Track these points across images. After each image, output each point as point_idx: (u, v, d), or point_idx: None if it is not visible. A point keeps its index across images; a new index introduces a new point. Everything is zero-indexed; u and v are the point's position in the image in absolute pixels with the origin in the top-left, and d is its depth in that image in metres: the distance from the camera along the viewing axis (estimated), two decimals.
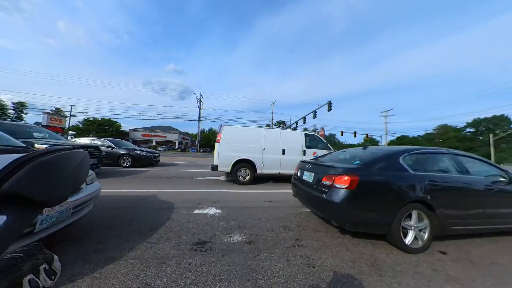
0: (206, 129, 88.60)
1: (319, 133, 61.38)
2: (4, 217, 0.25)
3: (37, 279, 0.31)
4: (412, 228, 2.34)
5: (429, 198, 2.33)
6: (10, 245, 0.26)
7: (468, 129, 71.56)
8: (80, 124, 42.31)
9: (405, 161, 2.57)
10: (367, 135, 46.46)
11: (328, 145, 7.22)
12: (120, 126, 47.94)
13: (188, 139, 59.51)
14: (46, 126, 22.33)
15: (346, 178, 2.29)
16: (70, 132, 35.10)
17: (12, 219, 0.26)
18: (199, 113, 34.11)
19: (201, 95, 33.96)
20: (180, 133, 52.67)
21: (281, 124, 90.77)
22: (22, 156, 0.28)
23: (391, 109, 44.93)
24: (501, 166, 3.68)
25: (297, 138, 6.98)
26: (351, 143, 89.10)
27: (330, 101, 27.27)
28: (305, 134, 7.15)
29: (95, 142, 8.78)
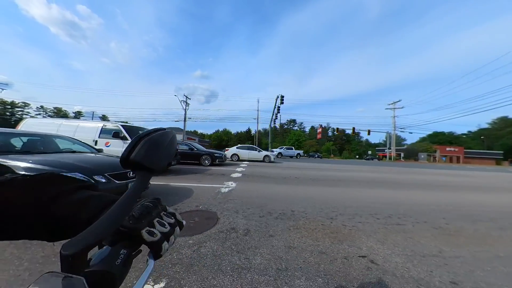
0: (221, 129, 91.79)
1: (318, 131, 57.83)
2: (135, 178, 0.36)
3: (164, 221, 0.38)
4: None
5: None
6: (139, 198, 0.36)
7: None
8: None
9: None
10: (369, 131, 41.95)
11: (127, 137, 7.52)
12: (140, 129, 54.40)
13: (195, 139, 63.26)
14: None
15: None
16: None
17: (138, 180, 0.35)
18: (185, 114, 36.32)
19: (186, 97, 36.11)
20: (186, 133, 56.48)
21: (291, 122, 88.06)
22: (139, 134, 0.37)
23: (399, 100, 39.56)
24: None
25: (92, 129, 7.63)
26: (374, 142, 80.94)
27: (282, 95, 26.36)
28: (104, 125, 7.71)
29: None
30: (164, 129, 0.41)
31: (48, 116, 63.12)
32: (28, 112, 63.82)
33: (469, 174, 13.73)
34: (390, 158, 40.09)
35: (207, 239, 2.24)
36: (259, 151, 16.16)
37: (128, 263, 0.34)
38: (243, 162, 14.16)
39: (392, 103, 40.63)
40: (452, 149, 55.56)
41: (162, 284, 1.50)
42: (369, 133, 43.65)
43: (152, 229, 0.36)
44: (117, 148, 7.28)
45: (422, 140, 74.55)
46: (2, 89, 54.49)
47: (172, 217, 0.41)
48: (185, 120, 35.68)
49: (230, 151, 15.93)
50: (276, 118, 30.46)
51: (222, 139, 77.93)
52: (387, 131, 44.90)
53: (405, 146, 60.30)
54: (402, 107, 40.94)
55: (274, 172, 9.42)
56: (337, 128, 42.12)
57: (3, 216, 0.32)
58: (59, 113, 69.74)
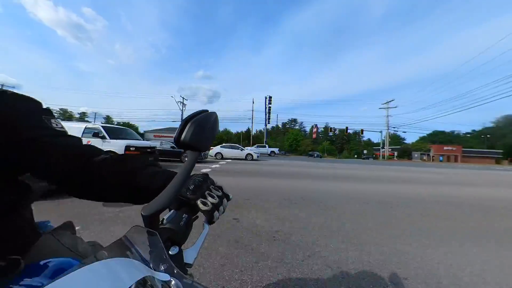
0: (221, 129, 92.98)
1: (313, 131, 58.36)
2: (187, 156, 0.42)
3: (213, 194, 0.45)
4: None
5: None
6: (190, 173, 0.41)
7: None
8: None
9: None
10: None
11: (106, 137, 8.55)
12: (137, 128, 56.05)
13: None
14: None
15: None
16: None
17: (189, 158, 0.41)
18: (181, 115, 37.53)
19: (182, 98, 37.37)
20: None
21: (292, 122, 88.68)
22: (186, 117, 0.41)
23: (392, 100, 39.96)
24: None
25: (77, 129, 8.72)
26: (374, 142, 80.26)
27: (270, 96, 27.24)
28: (86, 126, 8.79)
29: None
30: (207, 110, 0.45)
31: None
32: None
33: (443, 171, 14.30)
34: (383, 157, 40.50)
35: None
36: (241, 150, 17.13)
37: (189, 225, 0.41)
38: (224, 160, 14.97)
39: (385, 103, 41.00)
40: (450, 148, 55.37)
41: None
42: (362, 132, 44.06)
43: (205, 200, 0.43)
44: (96, 146, 8.38)
45: (422, 139, 74.07)
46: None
47: (220, 190, 0.48)
48: (182, 121, 36.90)
49: (214, 150, 16.94)
50: (269, 118, 31.28)
51: (222, 139, 78.87)
52: (380, 131, 45.22)
53: (401, 146, 60.44)
54: (395, 107, 41.27)
55: (249, 168, 10.32)
56: (330, 128, 42.74)
57: (106, 184, 0.46)
58: (64, 114, 72.18)
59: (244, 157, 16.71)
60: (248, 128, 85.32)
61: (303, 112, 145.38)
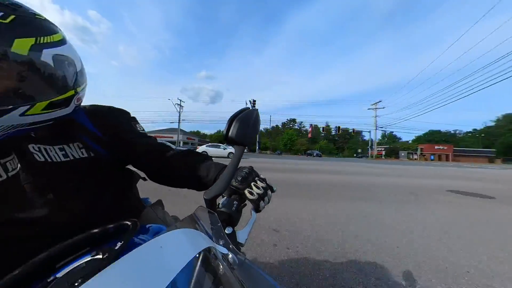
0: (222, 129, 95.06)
1: (309, 130, 59.87)
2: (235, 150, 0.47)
3: (258, 185, 0.51)
4: None
5: None
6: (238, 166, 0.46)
7: None
8: None
9: None
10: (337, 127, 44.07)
11: None
12: None
13: (195, 139, 67.02)
14: None
15: None
16: None
17: (236, 152, 0.46)
18: (179, 116, 40.03)
19: (180, 100, 39.88)
20: (185, 133, 60.27)
21: (291, 122, 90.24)
22: (232, 115, 0.46)
23: (380, 101, 41.58)
24: None
25: None
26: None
27: (254, 99, 29.54)
28: None
29: None
30: (249, 108, 0.50)
31: None
32: None
33: (393, 167, 15.82)
34: (371, 156, 42.17)
35: None
36: (224, 149, 19.50)
37: (239, 211, 0.49)
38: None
39: (374, 103, 42.65)
40: (441, 147, 56.32)
41: None
42: (354, 132, 45.67)
43: (251, 190, 0.50)
44: None
45: (418, 138, 74.92)
46: None
47: (264, 182, 0.53)
48: (179, 122, 39.34)
49: (200, 149, 19.34)
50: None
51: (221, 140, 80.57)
52: (369, 130, 46.74)
53: (390, 146, 61.96)
54: (383, 107, 42.84)
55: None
56: (324, 128, 44.44)
57: (175, 173, 0.61)
58: None
59: (226, 155, 19.01)
60: None
61: (305, 112, 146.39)
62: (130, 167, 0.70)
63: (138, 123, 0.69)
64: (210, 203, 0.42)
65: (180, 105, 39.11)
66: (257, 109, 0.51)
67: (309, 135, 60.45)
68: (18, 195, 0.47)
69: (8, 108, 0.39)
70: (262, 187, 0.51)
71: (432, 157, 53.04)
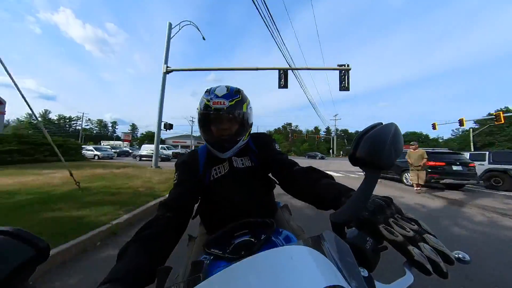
0: None
1: (289, 134, 71.72)
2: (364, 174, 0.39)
3: (402, 224, 0.36)
4: None
5: None
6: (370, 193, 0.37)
7: None
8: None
9: None
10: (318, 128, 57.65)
11: None
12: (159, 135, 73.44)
13: (204, 143, 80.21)
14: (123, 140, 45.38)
15: None
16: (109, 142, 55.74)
17: (367, 176, 0.37)
18: (191, 130, 55.49)
19: (192, 117, 55.51)
20: (195, 138, 73.87)
21: (288, 125, 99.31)
22: (361, 131, 0.39)
23: (337, 114, 56.17)
24: None
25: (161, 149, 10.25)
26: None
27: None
28: (161, 146, 12.00)
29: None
30: (381, 123, 0.40)
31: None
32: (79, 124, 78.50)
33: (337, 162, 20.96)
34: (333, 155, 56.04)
35: None
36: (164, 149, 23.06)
37: (377, 253, 0.35)
38: None
39: (335, 115, 57.26)
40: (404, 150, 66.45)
41: None
42: (317, 138, 57.95)
43: (390, 228, 0.36)
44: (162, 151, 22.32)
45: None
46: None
47: (414, 223, 0.37)
48: (191, 133, 55.14)
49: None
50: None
51: None
52: (332, 136, 60.94)
53: None
54: (340, 119, 56.77)
55: None
56: (316, 127, 55.40)
57: (299, 187, 0.67)
58: (100, 124, 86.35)
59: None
60: None
61: (309, 113, 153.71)
62: (270, 175, 0.88)
63: (277, 143, 0.89)
64: (337, 228, 0.37)
65: (192, 121, 54.89)
66: (394, 124, 0.39)
67: (290, 139, 67.54)
68: (229, 184, 0.79)
69: (240, 138, 0.77)
70: (411, 228, 0.35)
71: None
